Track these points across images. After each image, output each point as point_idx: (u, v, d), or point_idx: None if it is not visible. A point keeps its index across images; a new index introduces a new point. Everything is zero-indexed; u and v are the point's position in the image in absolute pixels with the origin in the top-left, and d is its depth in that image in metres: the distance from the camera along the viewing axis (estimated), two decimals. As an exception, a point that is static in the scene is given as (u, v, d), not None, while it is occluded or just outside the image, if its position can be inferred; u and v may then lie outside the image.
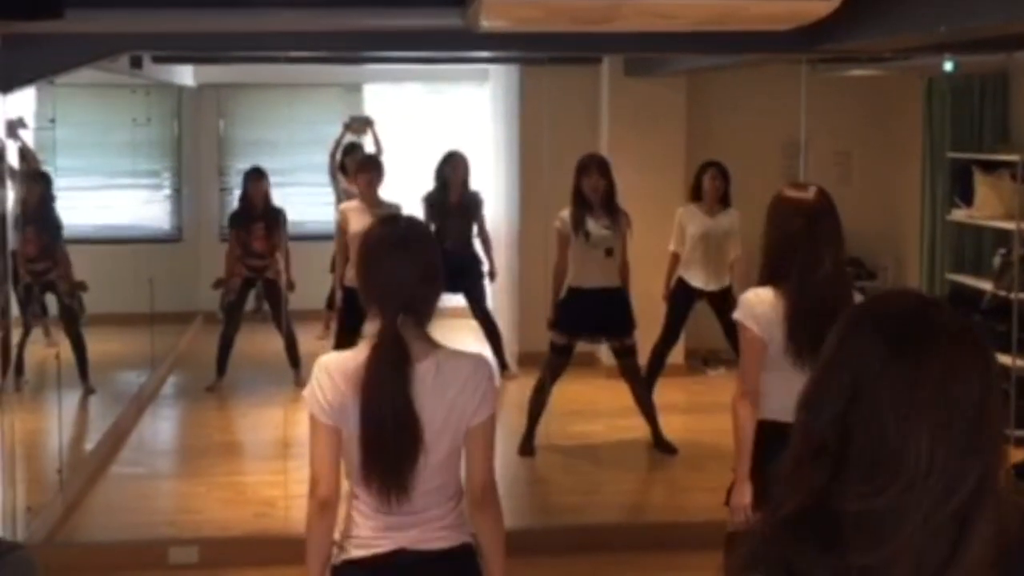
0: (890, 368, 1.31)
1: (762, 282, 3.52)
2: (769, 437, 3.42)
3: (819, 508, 1.31)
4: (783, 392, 3.41)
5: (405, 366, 2.60)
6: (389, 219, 2.97)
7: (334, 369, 2.67)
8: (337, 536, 2.77)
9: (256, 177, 8.32)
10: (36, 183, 7.34)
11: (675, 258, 7.24)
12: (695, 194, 7.30)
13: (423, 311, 2.67)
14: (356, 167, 7.49)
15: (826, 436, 1.33)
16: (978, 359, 1.33)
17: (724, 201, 7.25)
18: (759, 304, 3.49)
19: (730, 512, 3.52)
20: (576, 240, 6.38)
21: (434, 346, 2.68)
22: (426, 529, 2.71)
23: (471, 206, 8.15)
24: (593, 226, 6.37)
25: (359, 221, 7.00)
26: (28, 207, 7.23)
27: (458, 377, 2.66)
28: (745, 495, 3.45)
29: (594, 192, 6.37)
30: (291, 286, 8.10)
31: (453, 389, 2.65)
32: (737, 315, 3.52)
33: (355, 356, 2.67)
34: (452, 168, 8.07)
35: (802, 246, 3.42)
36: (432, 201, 8.05)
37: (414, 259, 2.65)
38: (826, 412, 1.34)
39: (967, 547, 1.28)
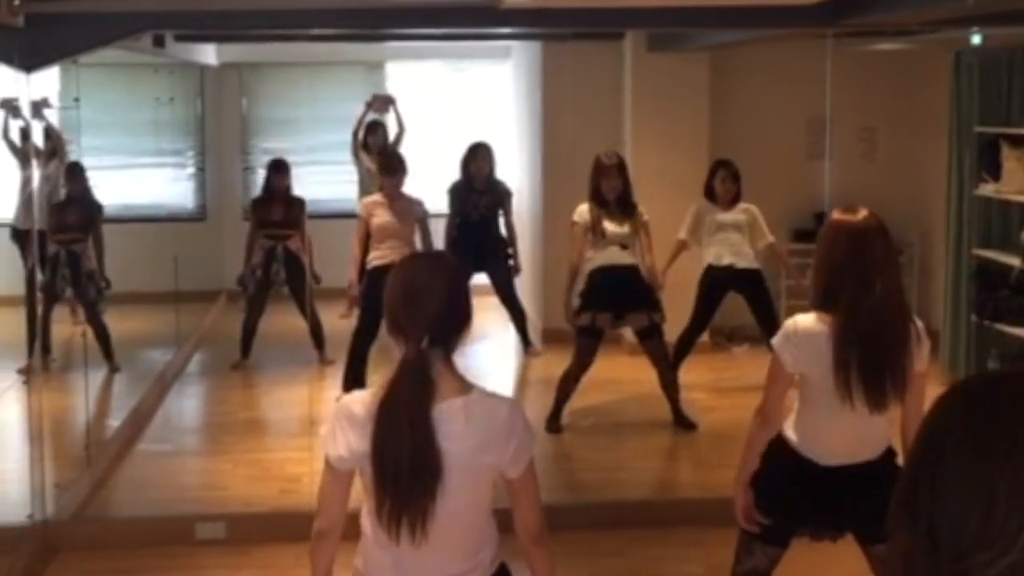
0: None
1: (813, 308, 3.35)
2: (799, 470, 3.40)
3: None
4: (830, 433, 3.36)
5: (429, 392, 2.52)
6: (421, 253, 3.02)
7: (357, 408, 2.59)
8: (359, 563, 2.70)
9: (278, 168, 8.27)
10: (76, 172, 7.43)
11: (681, 245, 7.20)
12: (708, 192, 7.26)
13: (450, 341, 2.60)
14: (379, 166, 7.40)
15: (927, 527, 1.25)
16: None
17: (736, 201, 7.21)
18: (801, 336, 3.30)
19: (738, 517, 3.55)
20: (593, 237, 6.50)
21: (464, 384, 2.60)
22: None
23: (497, 195, 8.13)
24: (609, 225, 6.49)
25: (383, 213, 7.00)
26: (72, 188, 7.37)
27: (489, 422, 2.57)
28: (740, 499, 3.48)
29: (611, 192, 6.48)
30: (316, 280, 8.11)
31: (483, 433, 2.56)
32: (774, 342, 3.38)
33: (376, 394, 2.58)
34: (477, 161, 8.06)
35: (850, 271, 3.23)
36: (457, 192, 8.06)
37: (443, 290, 2.60)
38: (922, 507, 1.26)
39: None
